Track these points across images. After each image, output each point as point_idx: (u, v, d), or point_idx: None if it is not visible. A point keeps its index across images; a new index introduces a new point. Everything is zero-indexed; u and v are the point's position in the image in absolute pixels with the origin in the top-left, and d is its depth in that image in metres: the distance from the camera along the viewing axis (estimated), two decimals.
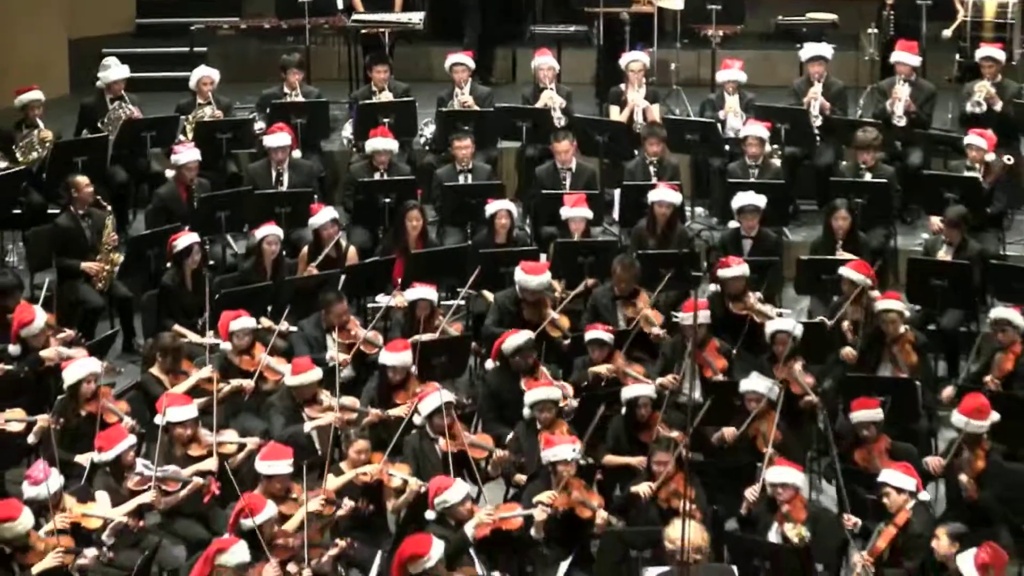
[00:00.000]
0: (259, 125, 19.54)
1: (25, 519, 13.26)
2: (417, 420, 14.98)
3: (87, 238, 17.68)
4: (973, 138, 18.78)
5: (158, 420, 14.67)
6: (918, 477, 14.11)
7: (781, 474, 13.99)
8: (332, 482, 14.22)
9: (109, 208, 18.38)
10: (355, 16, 21.17)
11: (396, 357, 15.56)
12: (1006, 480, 14.61)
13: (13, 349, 15.78)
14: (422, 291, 16.56)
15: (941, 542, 13.23)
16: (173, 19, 22.82)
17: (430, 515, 13.83)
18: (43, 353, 15.66)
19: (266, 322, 16.43)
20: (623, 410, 15.33)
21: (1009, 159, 19.21)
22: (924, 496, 14.16)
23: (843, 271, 16.53)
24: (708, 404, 15.46)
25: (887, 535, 13.76)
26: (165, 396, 15.02)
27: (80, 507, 13.78)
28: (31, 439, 14.67)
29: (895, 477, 13.88)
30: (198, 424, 14.75)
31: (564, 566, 13.73)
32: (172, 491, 14.27)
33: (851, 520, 14.00)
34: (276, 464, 13.96)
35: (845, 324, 16.44)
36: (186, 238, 17.08)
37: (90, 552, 13.26)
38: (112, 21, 22.88)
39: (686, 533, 12.29)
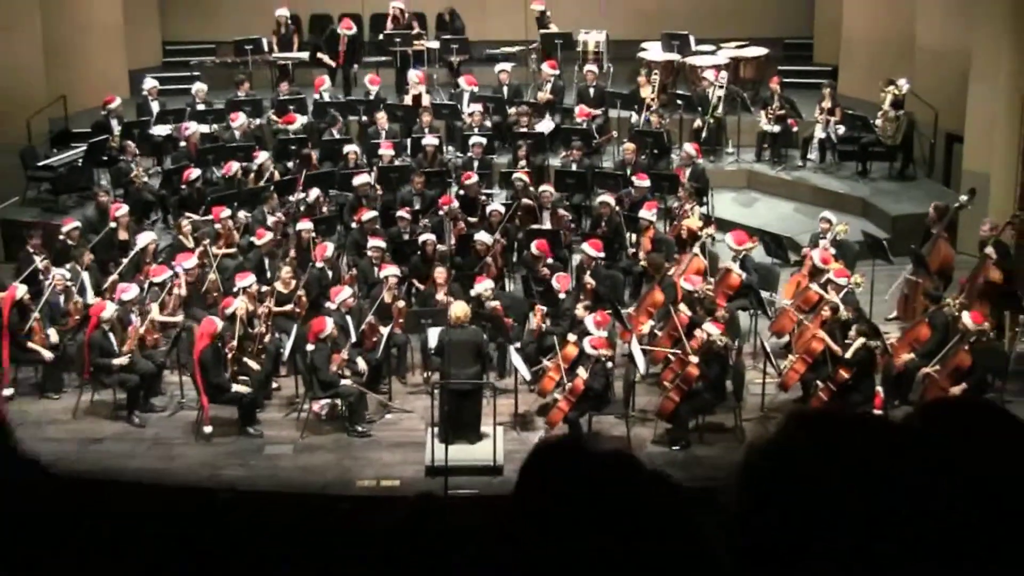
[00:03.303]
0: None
1: (110, 310, 13.40)
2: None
3: (143, 175, 17.44)
4: (578, 109, 18.85)
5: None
6: (570, 280, 14.50)
7: (484, 284, 13.99)
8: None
9: (154, 160, 18.51)
10: (273, 55, 20.86)
11: (304, 224, 15.47)
12: (605, 280, 14.67)
13: (112, 224, 15.71)
14: (315, 191, 16.46)
15: (580, 311, 13.35)
16: (181, 58, 22.33)
17: (330, 305, 13.87)
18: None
19: (241, 215, 16.07)
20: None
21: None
22: (563, 295, 14.27)
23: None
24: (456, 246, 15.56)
25: (538, 315, 13.94)
26: (178, 255, 14.88)
27: (158, 315, 14.04)
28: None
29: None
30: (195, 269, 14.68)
31: (385, 331, 13.71)
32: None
33: (539, 313, 13.92)
34: (245, 280, 14.06)
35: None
36: (194, 172, 16.93)
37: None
38: (150, 57, 22.40)
39: (455, 309, 13.01)
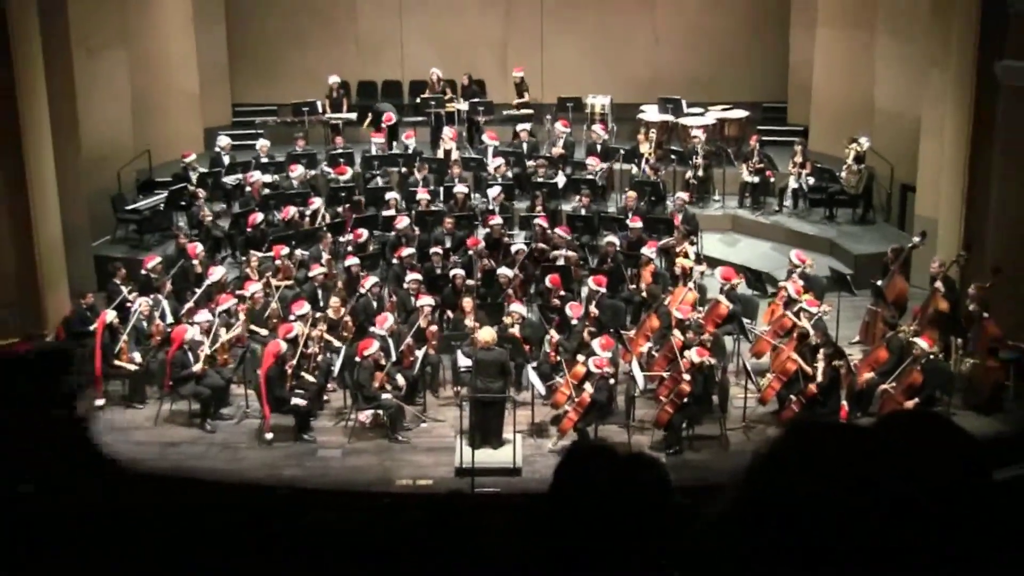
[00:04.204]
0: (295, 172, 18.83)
1: (192, 331, 13.52)
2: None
3: (208, 215, 17.29)
4: (590, 161, 18.63)
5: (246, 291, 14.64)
6: (581, 308, 14.20)
7: (517, 307, 14.02)
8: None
9: (224, 204, 18.55)
10: (326, 115, 20.82)
11: (352, 260, 15.38)
12: (608, 309, 14.53)
13: (194, 262, 15.59)
14: (363, 230, 16.38)
15: (586, 336, 13.29)
16: (247, 118, 22.26)
17: (375, 330, 13.65)
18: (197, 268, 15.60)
19: (298, 253, 15.94)
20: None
21: (606, 167, 18.72)
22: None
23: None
24: (479, 283, 15.28)
25: (553, 343, 13.75)
26: (246, 283, 14.91)
27: (224, 335, 13.94)
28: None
29: (572, 306, 14.11)
30: (260, 296, 14.67)
31: (420, 353, 13.60)
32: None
33: (554, 337, 13.81)
34: (301, 308, 13.94)
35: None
36: (258, 216, 16.91)
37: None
38: (222, 118, 22.39)
39: (482, 334, 12.98)
